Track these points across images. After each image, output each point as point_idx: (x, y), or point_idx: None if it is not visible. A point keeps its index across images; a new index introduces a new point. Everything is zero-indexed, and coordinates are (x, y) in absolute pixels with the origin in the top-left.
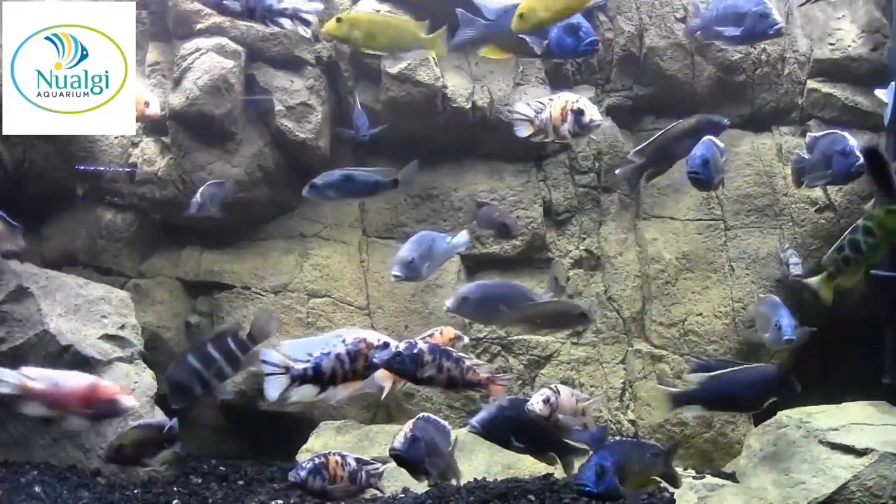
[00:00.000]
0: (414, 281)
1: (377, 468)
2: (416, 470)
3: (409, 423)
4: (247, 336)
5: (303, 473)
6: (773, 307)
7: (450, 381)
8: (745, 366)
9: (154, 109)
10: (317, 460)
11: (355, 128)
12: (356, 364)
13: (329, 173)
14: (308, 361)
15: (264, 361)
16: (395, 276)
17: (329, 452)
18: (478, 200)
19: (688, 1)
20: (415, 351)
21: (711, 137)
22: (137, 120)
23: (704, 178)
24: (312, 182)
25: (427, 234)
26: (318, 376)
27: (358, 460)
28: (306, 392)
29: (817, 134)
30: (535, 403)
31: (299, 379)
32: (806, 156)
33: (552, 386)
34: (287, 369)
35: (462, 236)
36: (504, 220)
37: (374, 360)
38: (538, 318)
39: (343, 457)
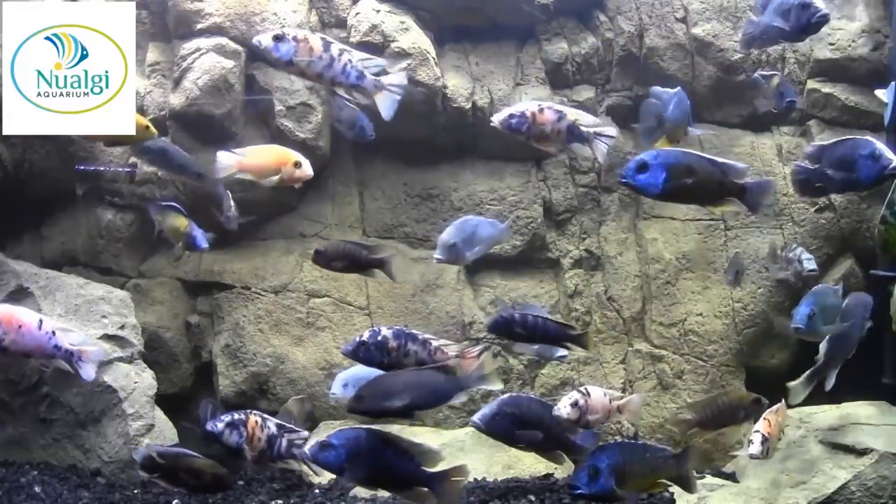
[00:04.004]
0: (457, 264)
1: (301, 436)
2: None
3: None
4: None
5: (220, 426)
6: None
7: (419, 364)
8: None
9: (307, 171)
10: (237, 415)
11: (358, 128)
12: None
13: None
14: None
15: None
16: (437, 260)
17: (250, 412)
18: None
19: (688, 1)
20: (379, 338)
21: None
22: (286, 183)
23: (636, 186)
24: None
25: (471, 219)
26: None
27: (280, 426)
28: None
29: (826, 142)
30: (563, 407)
31: None
32: (811, 165)
33: (582, 388)
34: None
35: (507, 223)
36: None
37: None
38: None
39: (263, 419)
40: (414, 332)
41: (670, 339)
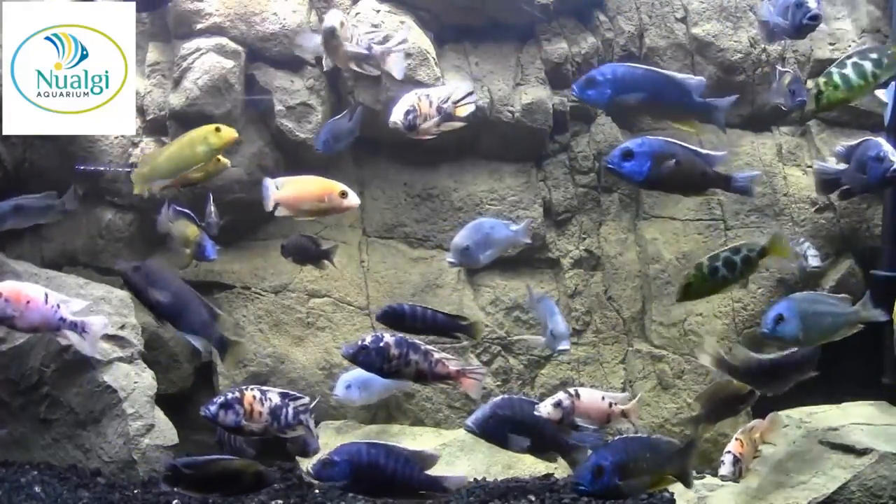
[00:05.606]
0: (471, 267)
1: (303, 402)
2: None
3: None
4: None
5: (213, 409)
6: None
7: (418, 375)
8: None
9: (353, 201)
10: (230, 395)
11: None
12: None
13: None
14: None
15: None
16: (451, 263)
17: (247, 387)
18: None
19: (688, 1)
20: (381, 344)
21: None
22: (333, 212)
23: (622, 173)
24: None
25: (485, 221)
26: None
27: (283, 395)
28: None
29: (852, 143)
30: (544, 407)
31: None
32: (840, 166)
33: (571, 389)
34: None
35: (524, 225)
36: None
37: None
38: None
39: (262, 392)
40: (416, 341)
41: (670, 339)
